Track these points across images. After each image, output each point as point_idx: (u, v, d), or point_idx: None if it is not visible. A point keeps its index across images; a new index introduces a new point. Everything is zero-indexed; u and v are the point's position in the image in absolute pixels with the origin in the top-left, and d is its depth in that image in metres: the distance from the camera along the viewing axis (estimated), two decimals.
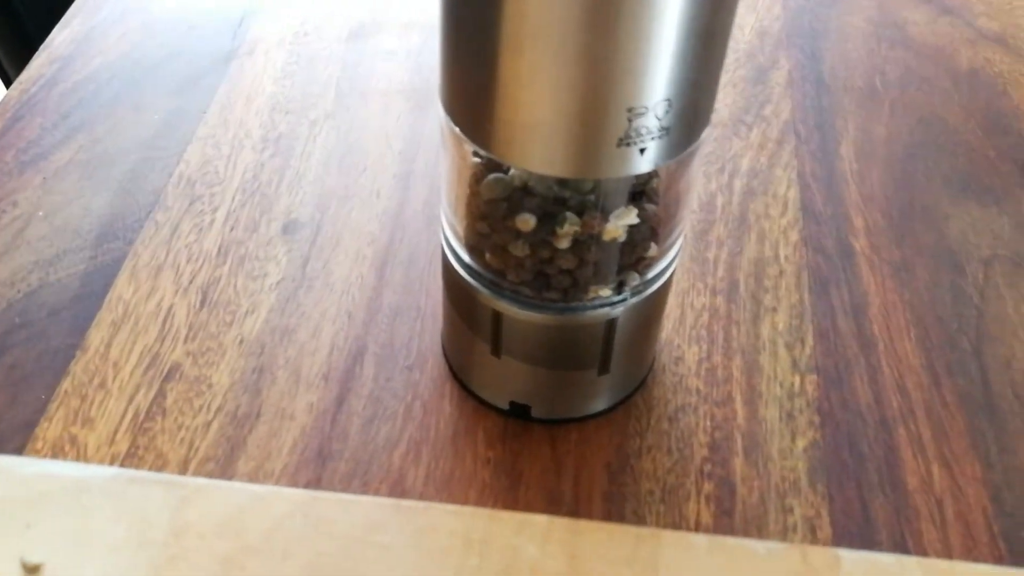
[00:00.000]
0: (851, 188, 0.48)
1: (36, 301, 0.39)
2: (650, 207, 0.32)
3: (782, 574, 0.28)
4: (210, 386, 0.37)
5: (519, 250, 0.31)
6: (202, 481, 0.31)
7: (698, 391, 0.39)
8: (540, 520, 0.29)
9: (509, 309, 0.33)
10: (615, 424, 0.37)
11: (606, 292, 0.33)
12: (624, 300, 0.33)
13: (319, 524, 0.28)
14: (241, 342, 0.39)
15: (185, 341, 0.38)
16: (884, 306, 0.43)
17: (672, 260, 0.34)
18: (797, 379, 0.39)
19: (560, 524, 0.29)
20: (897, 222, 0.46)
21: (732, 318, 0.41)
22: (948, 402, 0.39)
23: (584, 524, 0.29)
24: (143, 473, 0.31)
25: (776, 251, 0.44)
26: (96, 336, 0.38)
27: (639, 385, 0.38)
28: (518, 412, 0.37)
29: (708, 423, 0.38)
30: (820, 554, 0.29)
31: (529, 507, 0.34)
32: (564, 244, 0.31)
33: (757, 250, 0.44)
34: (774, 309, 0.42)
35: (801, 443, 0.37)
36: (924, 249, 0.45)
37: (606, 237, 0.31)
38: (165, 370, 0.37)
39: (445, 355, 0.39)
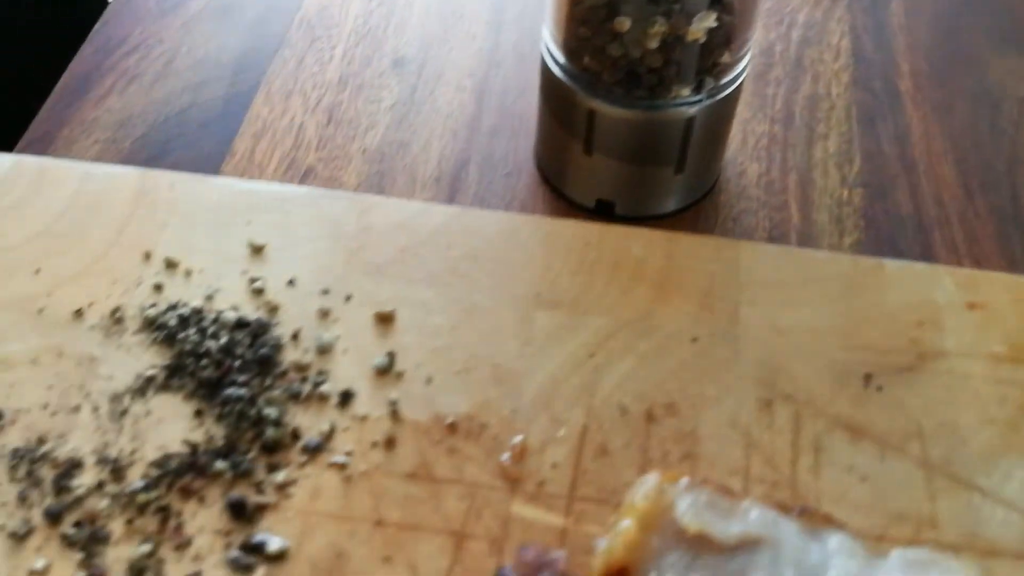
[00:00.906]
0: (899, 39, 0.53)
1: (188, 117, 0.46)
2: (726, 17, 0.37)
3: (834, 275, 0.34)
4: (340, 185, 0.43)
5: (615, 50, 0.37)
6: (378, 197, 0.39)
7: (758, 199, 0.44)
8: (643, 231, 0.35)
9: (602, 107, 0.39)
10: (687, 222, 0.43)
11: (686, 92, 0.38)
12: (700, 101, 0.39)
13: (469, 226, 0.35)
14: (364, 152, 0.45)
15: (316, 150, 0.45)
16: (926, 135, 0.48)
17: (741, 71, 0.40)
18: (845, 192, 0.45)
19: (658, 233, 0.35)
20: (940, 68, 0.51)
21: (789, 142, 0.47)
22: (980, 212, 0.44)
23: (678, 235, 0.36)
24: (331, 191, 0.38)
25: (828, 89, 0.49)
26: (241, 145, 0.45)
27: (708, 191, 0.44)
28: (603, 209, 0.43)
29: (767, 223, 0.43)
30: (867, 262, 0.35)
31: None
32: (653, 44, 0.36)
33: (811, 88, 0.49)
34: (826, 136, 0.47)
35: (848, 240, 0.43)
36: (965, 90, 0.50)
37: (689, 38, 0.36)
38: (302, 171, 0.44)
39: (538, 166, 0.45)
